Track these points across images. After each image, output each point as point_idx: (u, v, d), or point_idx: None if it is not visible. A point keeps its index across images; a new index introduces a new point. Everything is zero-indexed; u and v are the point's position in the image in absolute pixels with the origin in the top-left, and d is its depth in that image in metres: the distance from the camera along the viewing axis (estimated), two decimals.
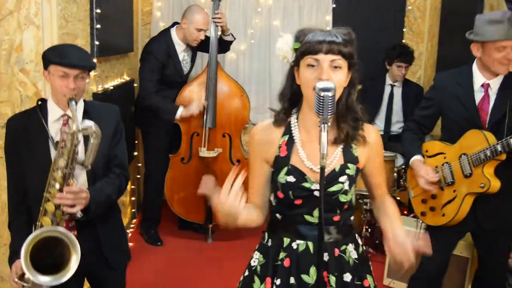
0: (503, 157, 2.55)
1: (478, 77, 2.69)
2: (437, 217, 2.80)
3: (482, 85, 2.68)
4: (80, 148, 2.21)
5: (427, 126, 2.95)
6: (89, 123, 2.15)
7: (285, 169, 1.75)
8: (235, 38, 4.45)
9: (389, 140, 4.60)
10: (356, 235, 1.91)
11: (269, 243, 1.84)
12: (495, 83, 2.66)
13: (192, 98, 4.28)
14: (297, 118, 1.80)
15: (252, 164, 1.86)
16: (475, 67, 2.71)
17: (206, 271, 3.96)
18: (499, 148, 2.51)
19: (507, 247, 2.87)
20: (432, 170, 2.80)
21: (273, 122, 1.83)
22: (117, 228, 2.58)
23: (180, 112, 4.18)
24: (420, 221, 3.07)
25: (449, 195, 2.75)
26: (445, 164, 2.79)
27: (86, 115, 2.33)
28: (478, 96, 2.69)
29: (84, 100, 2.39)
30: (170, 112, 4.19)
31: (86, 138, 2.22)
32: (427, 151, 2.90)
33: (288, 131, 1.80)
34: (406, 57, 4.53)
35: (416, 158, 2.87)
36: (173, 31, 4.27)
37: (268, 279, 1.80)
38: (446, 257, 2.90)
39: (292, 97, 1.80)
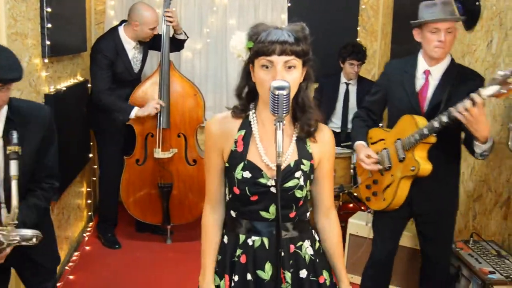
0: (433, 140, 2.63)
1: (421, 64, 2.78)
2: (379, 201, 2.89)
3: (424, 72, 2.76)
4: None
5: (375, 112, 3.02)
6: (32, 234, 2.06)
7: (241, 164, 1.74)
8: (188, 37, 4.42)
9: (346, 138, 4.66)
10: (313, 231, 1.92)
11: (225, 240, 1.84)
12: (436, 70, 2.74)
13: (145, 98, 4.22)
14: (254, 113, 1.79)
15: (209, 158, 1.84)
16: (419, 54, 2.80)
17: (166, 272, 3.92)
18: (425, 131, 2.59)
19: (447, 239, 2.94)
20: (373, 152, 2.86)
21: (231, 113, 1.82)
22: (44, 231, 2.41)
23: (135, 112, 4.12)
24: (370, 214, 3.15)
25: (387, 179, 2.83)
26: (383, 149, 2.87)
27: (9, 123, 2.15)
28: (420, 82, 2.78)
29: (9, 103, 2.17)
30: (124, 111, 4.12)
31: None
32: (371, 138, 2.99)
33: (245, 126, 1.79)
34: (358, 55, 4.60)
35: (358, 143, 2.93)
36: (121, 29, 4.19)
37: (227, 276, 1.80)
38: (394, 243, 2.99)
39: (248, 94, 1.79)
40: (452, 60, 2.78)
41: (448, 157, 2.78)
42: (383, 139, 2.90)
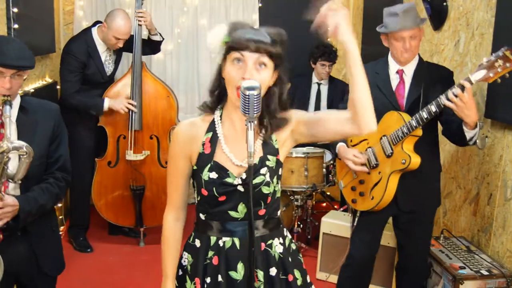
0: (419, 132, 2.69)
1: (393, 65, 2.86)
2: (367, 201, 2.89)
3: (397, 72, 2.84)
4: (12, 155, 2.10)
5: None
6: (21, 143, 2.07)
7: (208, 165, 1.75)
8: (163, 38, 4.38)
9: None
10: (285, 229, 1.92)
11: (197, 244, 1.83)
12: (408, 69, 2.83)
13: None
14: (221, 114, 1.80)
15: (175, 162, 1.84)
16: (389, 56, 2.88)
17: (139, 275, 3.88)
18: (414, 123, 2.65)
19: (427, 233, 2.99)
20: (358, 151, 2.87)
21: (200, 108, 1.82)
22: (51, 236, 2.48)
23: (108, 104, 4.06)
24: (350, 214, 3.14)
25: (375, 177, 2.85)
26: (368, 148, 2.90)
27: (23, 111, 2.26)
28: (394, 82, 2.85)
29: (21, 96, 2.31)
30: (96, 106, 4.07)
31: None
32: (351, 140, 3.00)
33: (212, 128, 1.79)
34: (330, 56, 4.65)
35: (340, 145, 2.95)
36: (94, 31, 4.13)
37: (197, 280, 1.79)
38: (376, 243, 3.01)
39: (221, 92, 1.79)
40: (420, 58, 2.87)
41: (429, 153, 2.83)
42: (365, 139, 2.92)
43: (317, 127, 1.79)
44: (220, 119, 1.79)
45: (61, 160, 2.38)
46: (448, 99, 2.49)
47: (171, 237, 1.88)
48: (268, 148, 1.79)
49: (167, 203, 1.91)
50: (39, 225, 2.33)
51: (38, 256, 2.35)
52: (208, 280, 1.77)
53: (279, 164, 1.81)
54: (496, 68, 2.39)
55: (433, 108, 2.58)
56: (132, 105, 4.10)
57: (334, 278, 3.66)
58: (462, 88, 2.45)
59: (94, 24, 4.19)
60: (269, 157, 1.78)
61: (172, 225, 1.89)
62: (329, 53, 4.64)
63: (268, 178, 1.76)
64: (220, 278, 1.76)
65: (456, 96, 2.45)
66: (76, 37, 4.23)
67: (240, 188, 1.74)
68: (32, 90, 3.61)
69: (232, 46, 1.66)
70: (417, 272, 3.03)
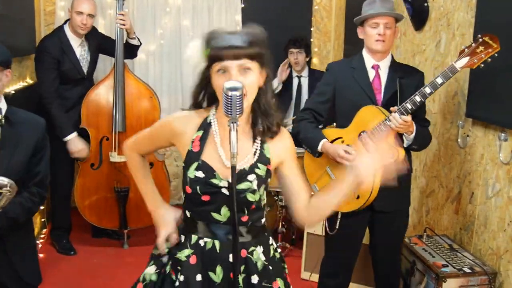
0: None
1: (368, 60, 2.85)
2: (352, 201, 2.75)
3: (373, 67, 2.84)
4: None
5: (321, 113, 2.90)
6: (4, 181, 2.02)
7: (195, 164, 1.74)
8: (141, 43, 4.37)
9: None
10: (270, 237, 1.91)
11: (182, 239, 1.83)
12: (383, 64, 2.84)
13: (99, 102, 4.16)
14: (214, 115, 1.80)
15: (156, 135, 1.91)
16: (364, 51, 2.87)
17: (124, 277, 3.85)
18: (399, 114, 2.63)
19: (398, 233, 2.97)
20: (348, 147, 2.71)
21: (192, 107, 1.83)
22: (28, 245, 2.47)
23: (71, 137, 4.04)
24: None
25: None
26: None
27: (8, 122, 2.23)
28: (371, 76, 2.84)
29: (8, 106, 2.29)
30: (62, 130, 4.00)
31: None
32: (327, 138, 2.87)
33: (203, 127, 1.79)
34: (296, 43, 4.68)
35: (325, 141, 2.80)
36: (66, 26, 4.11)
37: (173, 272, 1.80)
38: (357, 245, 2.97)
39: (207, 98, 1.80)
40: (392, 57, 2.90)
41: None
42: (340, 137, 2.82)
43: (283, 183, 1.89)
44: (215, 119, 1.79)
45: (39, 175, 2.35)
46: (431, 89, 2.56)
47: (136, 159, 1.97)
48: (260, 157, 1.79)
49: (133, 144, 1.98)
50: (14, 233, 2.31)
51: (15, 263, 2.33)
52: (181, 278, 1.75)
53: (268, 174, 1.80)
54: (479, 54, 2.44)
55: (417, 98, 2.59)
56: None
57: (317, 277, 3.67)
58: (440, 83, 2.55)
59: (66, 22, 4.17)
60: (260, 165, 1.78)
61: (137, 156, 1.97)
62: (295, 41, 4.68)
63: (255, 186, 1.75)
64: (199, 278, 1.74)
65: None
66: (50, 34, 4.21)
67: (225, 191, 1.73)
68: (13, 92, 3.57)
69: (212, 57, 1.66)
70: (391, 275, 3.02)
